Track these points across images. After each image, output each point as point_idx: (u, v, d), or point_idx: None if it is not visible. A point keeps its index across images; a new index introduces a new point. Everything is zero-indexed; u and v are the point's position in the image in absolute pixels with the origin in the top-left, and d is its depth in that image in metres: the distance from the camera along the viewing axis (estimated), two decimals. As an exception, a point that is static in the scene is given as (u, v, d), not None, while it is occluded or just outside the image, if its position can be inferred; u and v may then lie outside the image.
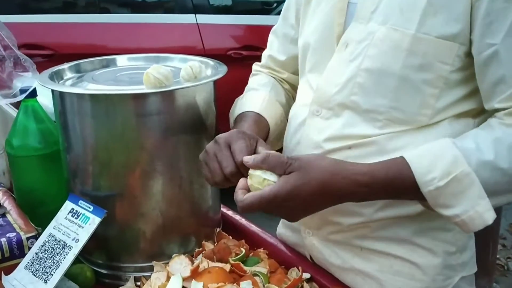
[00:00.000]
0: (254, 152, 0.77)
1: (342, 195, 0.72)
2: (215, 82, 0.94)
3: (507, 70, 0.70)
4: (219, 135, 0.79)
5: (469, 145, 0.71)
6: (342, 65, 0.80)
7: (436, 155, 0.70)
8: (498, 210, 0.73)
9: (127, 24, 2.61)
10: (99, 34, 2.58)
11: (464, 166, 0.69)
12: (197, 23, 2.68)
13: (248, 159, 0.72)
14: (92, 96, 0.84)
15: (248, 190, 0.74)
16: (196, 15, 2.69)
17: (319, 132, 0.82)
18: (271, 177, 0.71)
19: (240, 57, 2.63)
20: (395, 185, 0.72)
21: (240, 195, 0.72)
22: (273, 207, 0.70)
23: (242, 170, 0.74)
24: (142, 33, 2.58)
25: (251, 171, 0.74)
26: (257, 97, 0.98)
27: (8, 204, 1.00)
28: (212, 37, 2.69)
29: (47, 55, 2.47)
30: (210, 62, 1.01)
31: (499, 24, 0.69)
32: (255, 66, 1.10)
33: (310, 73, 0.89)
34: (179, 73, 0.90)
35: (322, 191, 0.70)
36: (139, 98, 0.84)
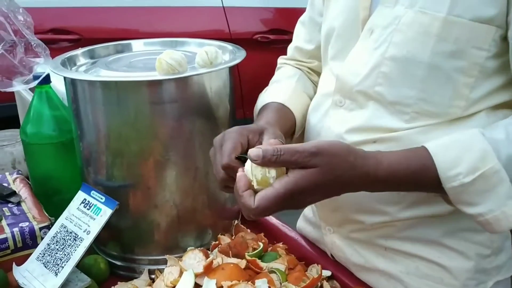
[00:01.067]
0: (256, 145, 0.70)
1: (359, 187, 0.66)
2: (232, 68, 0.89)
3: None
4: (216, 137, 0.72)
5: (500, 137, 0.63)
6: (365, 53, 0.74)
7: (463, 148, 0.63)
8: None
9: (153, 8, 2.57)
10: (125, 18, 2.56)
11: (493, 162, 0.62)
12: (223, 6, 2.62)
13: (255, 155, 0.61)
14: (103, 83, 0.81)
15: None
16: (222, -2, 2.64)
17: (342, 124, 0.76)
18: (272, 173, 0.62)
19: (267, 41, 2.56)
20: (416, 179, 0.65)
21: (249, 200, 0.62)
22: (288, 204, 0.62)
23: (230, 173, 0.67)
24: (168, 17, 2.55)
25: (247, 167, 0.64)
26: (280, 88, 0.92)
27: (24, 192, 0.98)
28: (238, 21, 2.63)
29: (74, 40, 2.46)
30: (229, 46, 0.96)
31: None
32: (281, 60, 1.03)
33: (332, 60, 0.83)
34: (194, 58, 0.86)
35: (340, 186, 0.64)
36: (151, 85, 0.80)
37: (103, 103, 0.82)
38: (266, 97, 0.89)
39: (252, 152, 0.62)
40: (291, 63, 1.00)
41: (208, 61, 0.84)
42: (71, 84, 0.85)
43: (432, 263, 0.76)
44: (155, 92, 0.80)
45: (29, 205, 0.94)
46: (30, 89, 1.04)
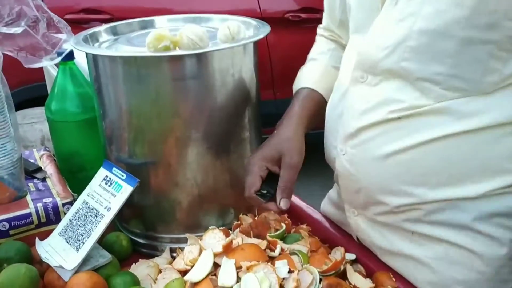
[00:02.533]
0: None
1: None
2: (256, 43, 0.86)
3: None
4: (250, 157, 0.83)
5: None
6: (390, 25, 0.69)
7: None
8: None
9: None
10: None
11: None
12: (254, -16, 2.57)
13: None
14: (124, 59, 0.79)
15: None
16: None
17: (364, 101, 0.72)
18: None
19: (299, 20, 2.50)
20: None
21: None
22: None
23: (252, 203, 0.79)
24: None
25: None
26: (312, 68, 0.92)
27: (49, 169, 0.99)
28: (269, -1, 2.58)
29: (105, 20, 2.47)
30: (253, 22, 0.93)
31: None
32: (319, 30, 1.00)
33: (354, 33, 0.78)
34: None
35: None
36: (172, 60, 0.78)
37: (124, 80, 0.80)
38: (300, 79, 0.91)
39: None
40: (326, 35, 0.97)
41: (230, 36, 0.81)
42: (92, 60, 0.84)
43: (463, 249, 0.72)
44: (176, 68, 0.79)
45: (54, 181, 0.95)
46: (56, 65, 1.05)
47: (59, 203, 0.87)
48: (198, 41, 0.77)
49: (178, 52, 0.77)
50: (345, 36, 0.92)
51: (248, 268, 0.72)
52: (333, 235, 0.92)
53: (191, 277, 0.73)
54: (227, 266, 0.73)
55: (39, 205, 0.86)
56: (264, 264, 0.72)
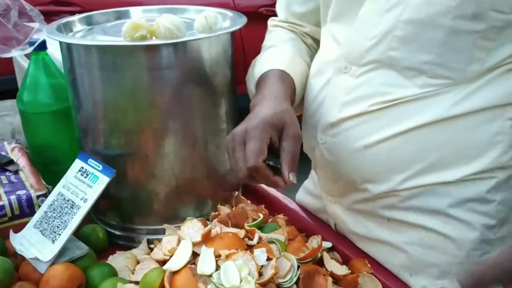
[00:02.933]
0: (279, 143, 0.69)
1: None
2: (233, 34, 0.86)
3: None
4: (236, 129, 0.70)
5: None
6: (376, 14, 0.70)
7: None
8: None
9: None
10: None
11: None
12: (228, -21, 2.57)
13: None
14: (99, 48, 0.79)
15: None
16: (227, -31, 2.58)
17: (348, 91, 0.74)
18: None
19: (272, 14, 2.50)
20: None
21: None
22: None
23: (254, 175, 0.67)
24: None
25: None
26: (278, 53, 0.88)
27: (22, 161, 0.97)
28: (243, -7, 2.59)
29: (75, 12, 2.42)
30: (229, 13, 0.93)
31: None
32: (271, 21, 0.98)
33: (332, 22, 0.79)
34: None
35: None
36: (149, 49, 0.77)
37: (99, 69, 0.79)
38: (264, 63, 0.85)
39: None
40: (284, 25, 0.95)
41: (207, 26, 0.81)
42: (67, 50, 0.83)
43: (436, 233, 0.74)
44: (152, 57, 0.78)
45: (26, 173, 0.93)
46: (27, 56, 1.03)
47: (33, 195, 0.86)
48: (175, 30, 0.76)
49: (155, 41, 0.77)
50: (307, 24, 0.93)
51: (227, 256, 0.72)
52: (310, 224, 0.94)
53: (171, 266, 0.73)
54: (206, 254, 0.73)
55: (12, 197, 0.84)
56: (243, 252, 0.73)
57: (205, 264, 0.72)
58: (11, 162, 0.95)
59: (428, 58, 0.68)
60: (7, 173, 0.93)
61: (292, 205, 0.99)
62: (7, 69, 1.47)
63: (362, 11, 0.72)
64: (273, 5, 2.89)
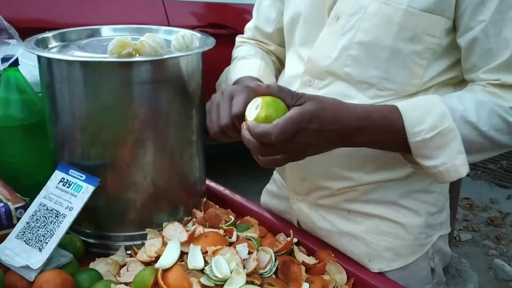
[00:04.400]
0: None
1: (348, 127, 0.73)
2: (203, 53, 0.94)
3: (494, 44, 0.76)
4: (224, 89, 0.81)
5: (456, 105, 0.76)
6: (334, 37, 0.83)
7: (425, 109, 0.75)
8: (458, 180, 0.79)
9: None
10: (58, 8, 2.48)
11: (449, 122, 0.74)
12: (163, 0, 2.63)
13: (256, 84, 0.73)
14: (84, 64, 0.83)
15: None
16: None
17: None
18: (281, 105, 0.72)
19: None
20: (386, 128, 0.75)
21: (264, 125, 0.69)
22: (298, 131, 0.69)
23: (236, 123, 0.76)
24: (105, 7, 2.51)
25: (268, 99, 0.73)
26: (252, 64, 0.99)
27: (-11, 176, 0.97)
28: (177, 14, 2.65)
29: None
30: (198, 34, 1.01)
31: (489, 1, 0.74)
32: (239, 38, 1.11)
33: (300, 46, 0.91)
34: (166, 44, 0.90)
35: (336, 118, 0.72)
36: (133, 66, 0.83)
37: (84, 84, 0.84)
38: (238, 71, 0.96)
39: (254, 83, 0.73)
40: (251, 42, 1.08)
41: (185, 45, 0.89)
42: (47, 65, 0.86)
43: (390, 221, 0.88)
44: (136, 73, 0.84)
45: (-2, 187, 0.93)
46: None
47: (12, 207, 0.87)
48: (159, 48, 0.84)
49: (141, 58, 0.83)
50: (272, 44, 1.06)
51: (214, 252, 0.80)
52: (274, 223, 1.03)
53: (162, 264, 0.79)
54: (194, 251, 0.80)
55: (-9, 210, 0.85)
56: (227, 248, 0.81)
57: (195, 260, 0.79)
58: (-20, 177, 0.95)
59: (376, 73, 0.81)
60: (-23, 188, 0.92)
61: (256, 208, 1.08)
62: None
63: (322, 34, 0.85)
64: (207, 26, 3.00)
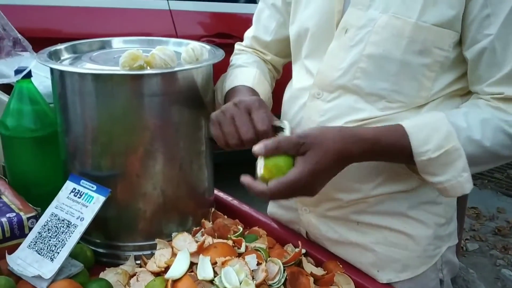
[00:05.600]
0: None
1: (353, 157, 0.77)
2: (213, 64, 0.96)
3: (500, 58, 0.77)
4: (240, 99, 0.82)
5: (461, 123, 0.77)
6: (343, 50, 0.84)
7: (432, 129, 0.77)
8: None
9: (98, 8, 2.55)
10: (70, 19, 2.51)
11: (455, 142, 0.76)
12: (170, 10, 2.66)
13: (259, 149, 0.74)
14: (96, 76, 0.85)
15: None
16: (169, 1, 2.67)
17: (321, 114, 0.86)
18: (284, 161, 0.74)
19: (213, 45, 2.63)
20: (393, 151, 0.78)
21: (260, 185, 0.73)
22: (298, 189, 0.73)
23: (261, 138, 0.78)
24: (114, 18, 2.54)
25: (263, 159, 0.75)
26: (247, 72, 1.00)
27: (1, 186, 0.98)
28: (185, 24, 2.68)
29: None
30: (207, 46, 1.03)
31: (496, 17, 0.76)
32: (238, 46, 1.12)
33: (307, 58, 0.92)
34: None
35: (338, 160, 0.75)
36: (145, 78, 0.85)
37: (96, 96, 0.85)
38: (234, 80, 0.97)
39: (256, 147, 0.74)
40: (249, 51, 1.09)
41: (195, 58, 0.91)
42: (59, 77, 0.88)
43: (399, 233, 0.88)
44: (147, 85, 0.86)
45: (9, 197, 0.95)
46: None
47: (24, 217, 0.88)
48: (170, 61, 0.85)
49: (152, 71, 0.84)
50: (269, 53, 1.07)
51: (223, 263, 0.81)
52: (282, 234, 1.04)
53: (172, 274, 0.79)
54: (204, 262, 0.81)
55: (4, 220, 0.86)
56: (236, 259, 0.82)
57: (205, 270, 0.80)
58: (-8, 186, 0.96)
59: (386, 86, 0.82)
60: (-11, 198, 0.94)
61: (264, 218, 1.09)
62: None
63: (331, 47, 0.86)
64: (214, 35, 3.03)
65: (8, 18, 2.50)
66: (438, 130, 0.76)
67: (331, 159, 0.74)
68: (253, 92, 0.95)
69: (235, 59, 1.07)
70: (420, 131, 0.77)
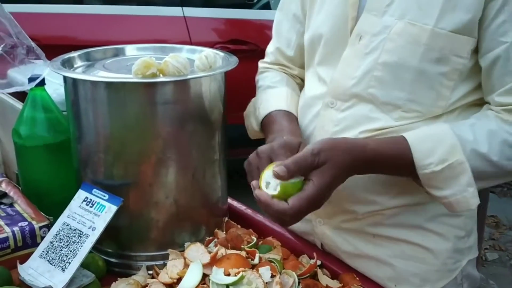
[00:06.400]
0: None
1: (356, 167, 0.76)
2: (226, 72, 0.94)
3: None
4: (261, 148, 0.81)
5: (467, 136, 0.75)
6: (357, 57, 0.82)
7: (435, 141, 0.75)
8: (484, 200, 0.79)
9: (113, 16, 2.57)
10: (83, 26, 2.53)
11: (459, 156, 0.74)
12: (184, 16, 2.66)
13: (281, 171, 0.72)
14: (109, 84, 0.84)
15: None
16: (183, 8, 2.68)
17: (335, 123, 0.84)
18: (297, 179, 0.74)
19: (227, 51, 2.62)
20: (396, 163, 0.77)
21: (282, 204, 0.72)
22: (316, 204, 0.73)
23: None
24: (129, 26, 2.55)
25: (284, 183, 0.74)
26: (278, 94, 0.98)
27: (14, 194, 0.98)
28: (199, 30, 2.68)
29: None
30: (220, 53, 1.01)
31: (511, 24, 0.73)
32: (262, 64, 1.09)
33: (319, 65, 0.90)
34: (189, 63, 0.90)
35: (345, 171, 0.74)
36: (157, 86, 0.84)
37: (108, 104, 0.84)
38: (266, 104, 0.96)
39: (278, 169, 0.73)
40: (275, 67, 1.06)
41: (208, 65, 0.89)
42: (72, 85, 0.87)
43: (416, 246, 0.86)
44: (160, 93, 0.84)
45: (22, 206, 0.94)
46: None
47: (36, 226, 0.87)
48: (182, 69, 0.84)
49: (165, 78, 0.83)
50: (294, 67, 1.04)
51: (236, 275, 0.79)
52: (297, 245, 1.01)
53: (184, 286, 0.78)
54: (217, 274, 0.79)
55: (16, 229, 0.86)
56: (250, 271, 0.80)
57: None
58: (5, 195, 0.96)
59: (402, 95, 0.80)
60: (2, 206, 0.94)
61: (278, 228, 1.06)
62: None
63: (345, 54, 0.84)
64: (228, 42, 3.03)
65: (28, 26, 2.54)
66: (442, 142, 0.74)
67: (342, 171, 0.73)
68: (290, 115, 0.94)
69: (261, 79, 1.05)
70: (423, 143, 0.75)
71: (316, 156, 0.72)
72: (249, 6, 3.00)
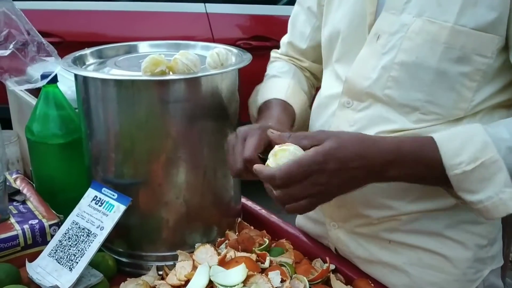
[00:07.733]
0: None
1: (374, 161, 0.69)
2: (239, 69, 0.92)
3: None
4: (240, 128, 0.78)
5: (502, 133, 0.69)
6: (374, 57, 0.78)
7: (466, 139, 0.69)
8: None
9: (136, 12, 2.58)
10: (106, 23, 2.55)
11: (493, 153, 0.67)
12: (207, 13, 2.65)
13: (273, 133, 0.70)
14: (118, 82, 0.83)
15: None
16: (206, 4, 2.66)
17: (351, 124, 0.81)
18: (299, 151, 0.69)
19: (250, 48, 2.60)
20: (421, 160, 0.69)
21: (272, 169, 0.67)
22: (310, 173, 0.66)
23: (248, 166, 0.73)
24: (151, 22, 2.56)
25: (276, 148, 0.70)
26: (281, 84, 0.96)
27: (27, 191, 0.98)
28: (221, 27, 2.67)
29: (55, 43, 2.44)
30: (234, 49, 0.99)
31: None
32: (274, 53, 1.08)
33: (337, 63, 0.87)
34: (202, 60, 0.88)
35: (359, 154, 0.67)
36: (166, 84, 0.82)
37: (117, 102, 0.83)
38: (267, 91, 0.94)
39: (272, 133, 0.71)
40: (285, 58, 1.04)
41: (219, 62, 0.87)
42: (83, 82, 0.86)
43: (434, 254, 0.81)
44: (170, 91, 0.83)
45: (35, 203, 0.94)
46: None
47: (46, 224, 0.87)
48: (192, 66, 0.82)
49: (174, 76, 0.81)
50: (306, 60, 1.02)
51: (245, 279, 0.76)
52: (311, 248, 0.98)
53: (191, 289, 0.76)
54: (222, 277, 0.77)
55: (26, 226, 0.85)
56: (259, 275, 0.77)
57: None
58: (18, 192, 0.96)
59: (420, 96, 0.75)
60: (15, 203, 0.94)
61: (292, 230, 1.04)
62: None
63: (361, 53, 0.80)
64: (250, 38, 3.01)
65: (54, 23, 2.56)
66: (473, 140, 0.68)
67: (350, 152, 0.67)
68: (285, 105, 0.91)
69: (269, 68, 1.04)
70: (451, 141, 0.69)
71: (322, 133, 0.70)
72: (274, 2, 2.97)
